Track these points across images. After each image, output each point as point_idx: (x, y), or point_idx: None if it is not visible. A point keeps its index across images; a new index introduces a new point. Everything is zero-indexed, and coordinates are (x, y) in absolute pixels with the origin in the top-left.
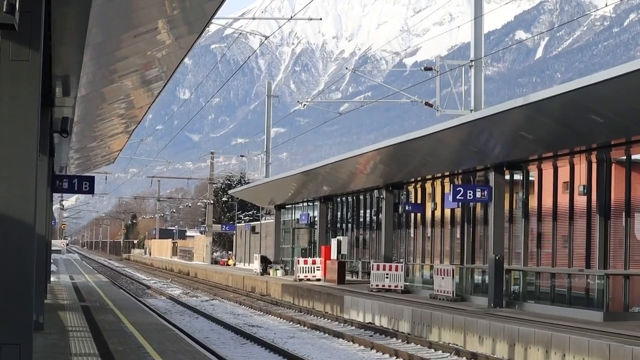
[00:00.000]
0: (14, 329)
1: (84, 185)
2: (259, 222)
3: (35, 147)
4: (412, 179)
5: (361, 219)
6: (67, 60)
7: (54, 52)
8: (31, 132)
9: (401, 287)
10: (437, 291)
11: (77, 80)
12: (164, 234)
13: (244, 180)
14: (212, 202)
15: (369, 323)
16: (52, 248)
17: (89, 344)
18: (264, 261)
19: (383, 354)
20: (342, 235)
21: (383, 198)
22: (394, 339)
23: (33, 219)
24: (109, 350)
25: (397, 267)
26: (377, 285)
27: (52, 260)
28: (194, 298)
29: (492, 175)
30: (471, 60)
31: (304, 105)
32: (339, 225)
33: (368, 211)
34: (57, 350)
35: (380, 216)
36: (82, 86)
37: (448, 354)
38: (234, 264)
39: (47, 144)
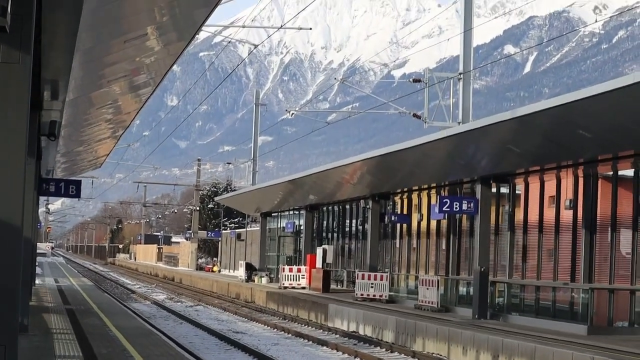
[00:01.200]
0: (0, 331)
1: (71, 189)
2: (244, 230)
3: (24, 149)
4: (399, 190)
5: (347, 229)
6: (57, 64)
7: (44, 55)
8: (20, 134)
9: (386, 296)
10: (422, 301)
11: (65, 84)
12: (150, 239)
13: (231, 188)
14: (198, 208)
15: (353, 332)
16: (37, 251)
17: (73, 346)
18: (249, 268)
19: None
20: (328, 244)
21: (369, 208)
22: (378, 347)
23: (20, 221)
24: (93, 352)
25: (382, 276)
26: (362, 295)
27: (37, 263)
28: (179, 303)
29: (478, 188)
30: (460, 73)
31: (292, 114)
32: (324, 234)
33: (354, 221)
34: (42, 352)
35: (366, 226)
36: (70, 90)
37: None
38: (219, 271)
39: (35, 147)
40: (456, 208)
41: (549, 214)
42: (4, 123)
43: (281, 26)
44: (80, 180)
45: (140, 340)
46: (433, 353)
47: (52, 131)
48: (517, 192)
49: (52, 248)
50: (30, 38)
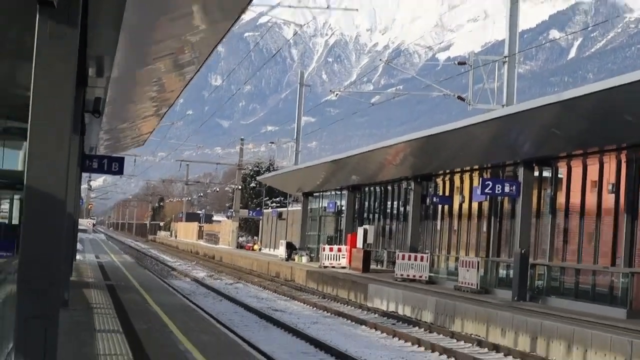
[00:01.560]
0: (42, 303)
1: (114, 165)
2: (286, 209)
3: (70, 125)
4: (441, 172)
5: (388, 209)
6: (102, 40)
7: (90, 32)
8: (66, 110)
9: (426, 277)
10: (462, 283)
11: (110, 61)
12: (191, 217)
13: (273, 167)
14: (240, 187)
15: (392, 312)
16: (79, 227)
17: (113, 321)
18: (290, 247)
19: (405, 342)
20: (369, 224)
21: (411, 189)
22: (417, 327)
23: (64, 196)
24: (133, 327)
25: (422, 257)
26: (401, 275)
27: (78, 239)
28: (218, 281)
29: (521, 171)
30: (505, 57)
31: (336, 94)
32: (365, 214)
33: (395, 202)
34: (82, 327)
35: (407, 207)
36: (115, 67)
37: (470, 344)
38: (260, 249)
39: (79, 124)
40: (498, 190)
41: (591, 198)
42: (50, 98)
43: (327, 7)
44: (124, 158)
45: (180, 316)
46: (472, 334)
47: (97, 108)
48: (559, 175)
49: (94, 225)
50: (77, 13)
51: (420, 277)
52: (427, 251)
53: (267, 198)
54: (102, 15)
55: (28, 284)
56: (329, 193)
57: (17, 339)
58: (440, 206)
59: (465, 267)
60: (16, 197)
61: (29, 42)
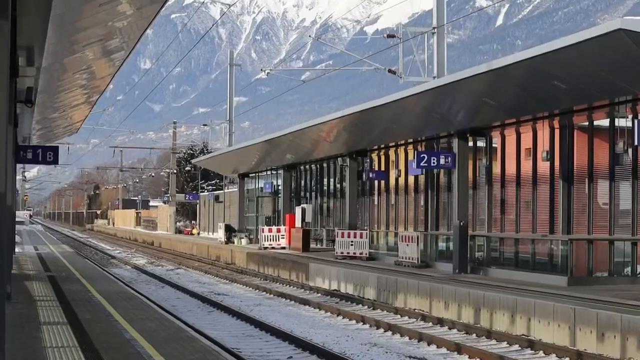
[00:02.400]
0: None
1: (48, 155)
2: (222, 191)
3: (5, 116)
4: (376, 147)
5: (325, 187)
6: (31, 29)
7: (18, 21)
8: (0, 101)
9: (366, 254)
10: (402, 258)
11: (40, 50)
12: (127, 204)
13: (207, 150)
14: (175, 171)
15: (335, 290)
16: (16, 219)
17: (57, 312)
18: (229, 230)
19: (350, 320)
20: (307, 203)
21: (347, 166)
22: (360, 305)
23: (4, 189)
24: (78, 318)
25: (361, 234)
26: (342, 253)
27: (15, 232)
28: (159, 267)
29: (455, 142)
30: (433, 28)
31: (267, 73)
32: (303, 193)
33: (332, 179)
34: (26, 319)
35: (344, 184)
36: (45, 56)
37: (414, 319)
38: (198, 233)
39: (12, 114)
40: (434, 163)
41: (526, 166)
42: None
43: None
44: (58, 147)
45: (123, 304)
46: (415, 309)
47: (29, 98)
48: (493, 145)
49: (31, 216)
50: (7, 4)
51: (361, 254)
52: (366, 228)
53: (203, 181)
54: (30, 4)
55: None
56: (264, 173)
57: None
58: (376, 182)
59: (405, 241)
60: None
61: None
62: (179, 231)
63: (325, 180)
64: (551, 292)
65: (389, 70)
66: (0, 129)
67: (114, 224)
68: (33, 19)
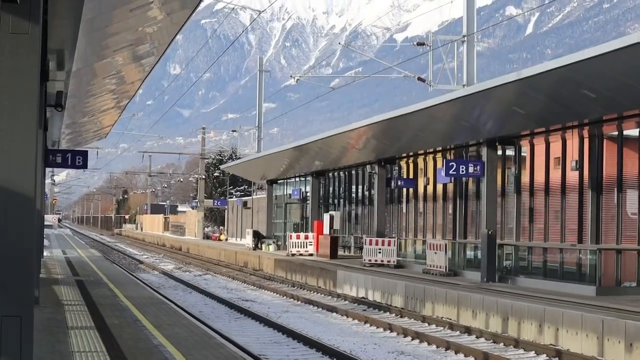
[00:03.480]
0: (15, 302)
1: (77, 159)
2: (250, 197)
3: (36, 120)
4: (405, 154)
5: (353, 194)
6: (62, 33)
7: (49, 25)
8: (31, 105)
9: (394, 261)
10: (430, 266)
11: (71, 54)
12: (156, 209)
13: (235, 156)
14: (203, 177)
15: (362, 298)
16: (44, 223)
17: (85, 317)
18: (257, 236)
19: (377, 327)
20: (335, 210)
21: (375, 173)
22: (388, 313)
23: (34, 193)
24: (105, 323)
25: (389, 242)
26: (369, 260)
27: (44, 235)
28: (187, 273)
29: (484, 150)
30: (463, 36)
31: (297, 79)
32: (331, 200)
33: (360, 186)
34: (54, 324)
35: (372, 191)
36: (75, 60)
37: (442, 327)
38: (226, 239)
39: (43, 118)
40: (462, 171)
41: (555, 175)
42: (14, 94)
43: None
44: (87, 151)
45: (151, 309)
46: (442, 317)
47: (59, 102)
48: (522, 154)
49: (60, 220)
50: (38, 8)
51: (389, 261)
52: (394, 235)
53: (231, 187)
54: (61, 8)
55: (1, 283)
56: (293, 180)
57: None
58: (405, 189)
59: (433, 249)
60: None
61: None
62: (207, 237)
63: (354, 187)
64: (579, 302)
65: (419, 78)
66: (30, 133)
67: (142, 228)
68: (64, 23)
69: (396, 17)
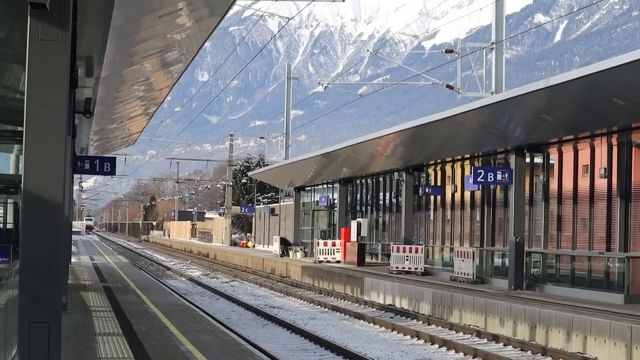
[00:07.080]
0: (43, 308)
1: (105, 166)
2: (278, 204)
3: (65, 126)
4: (432, 161)
5: (381, 201)
6: (91, 40)
7: (78, 32)
8: (60, 111)
9: (421, 269)
10: (457, 273)
11: (99, 61)
12: (183, 215)
13: (263, 163)
14: (231, 184)
15: (390, 305)
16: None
17: (112, 323)
18: (284, 243)
19: (404, 335)
20: (362, 217)
21: (403, 180)
22: (415, 320)
23: (62, 199)
24: (133, 329)
25: (417, 249)
26: (397, 268)
27: (71, 242)
28: (214, 279)
29: (512, 158)
30: (492, 43)
31: (325, 86)
32: (358, 207)
33: (388, 193)
34: (82, 330)
35: (400, 198)
36: (104, 67)
37: (469, 335)
38: (253, 246)
39: (71, 125)
40: (490, 179)
41: (583, 183)
42: (44, 101)
43: None
44: (115, 158)
45: (178, 316)
46: (470, 325)
47: (88, 108)
48: (551, 161)
49: (90, 227)
50: (68, 15)
51: (416, 269)
52: (421, 242)
53: (259, 194)
54: (90, 15)
55: (30, 289)
56: (320, 187)
57: (21, 343)
58: (432, 196)
59: (461, 257)
60: (10, 201)
61: (18, 44)
62: (234, 243)
63: (381, 194)
64: (607, 310)
65: (447, 86)
66: (59, 140)
67: (169, 235)
68: (93, 31)
69: (424, 24)
